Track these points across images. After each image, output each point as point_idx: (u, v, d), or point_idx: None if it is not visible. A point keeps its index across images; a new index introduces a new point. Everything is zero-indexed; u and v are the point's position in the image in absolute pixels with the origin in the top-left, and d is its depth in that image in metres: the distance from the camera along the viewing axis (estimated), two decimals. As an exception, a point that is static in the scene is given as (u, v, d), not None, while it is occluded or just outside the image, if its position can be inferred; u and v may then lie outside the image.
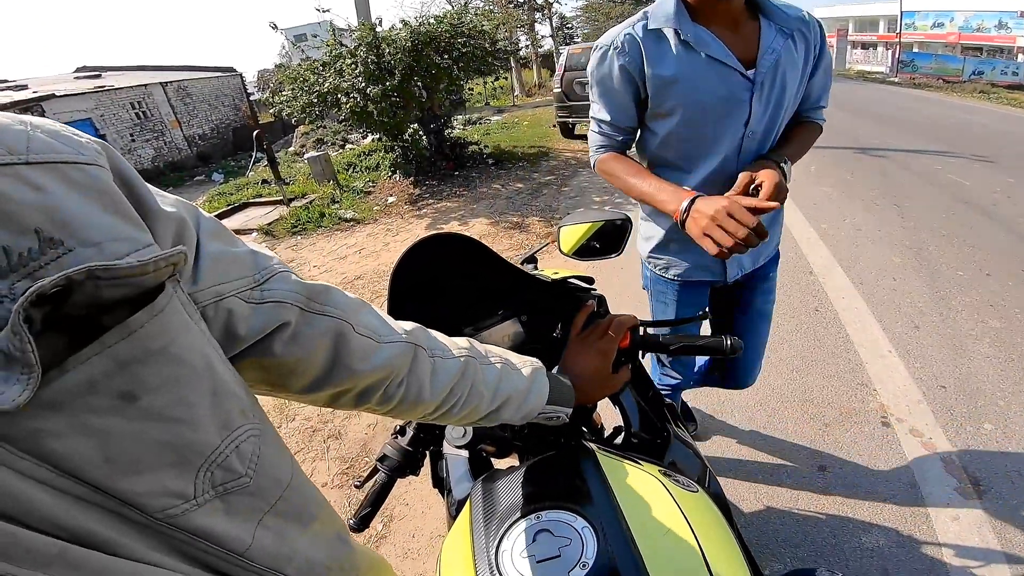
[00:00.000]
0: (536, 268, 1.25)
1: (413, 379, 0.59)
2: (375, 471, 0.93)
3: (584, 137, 9.62)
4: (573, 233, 1.17)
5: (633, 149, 1.41)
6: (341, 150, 10.71)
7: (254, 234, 5.91)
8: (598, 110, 1.31)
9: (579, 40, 27.01)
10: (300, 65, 6.84)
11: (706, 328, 1.79)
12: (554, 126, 10.14)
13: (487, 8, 8.81)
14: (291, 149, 13.21)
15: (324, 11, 7.11)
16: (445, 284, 0.93)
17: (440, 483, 1.02)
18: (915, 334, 2.86)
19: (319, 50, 6.81)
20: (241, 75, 21.62)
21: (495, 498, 0.76)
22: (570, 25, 29.56)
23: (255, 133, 6.97)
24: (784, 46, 1.15)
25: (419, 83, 6.60)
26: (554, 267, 1.25)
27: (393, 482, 0.92)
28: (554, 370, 0.84)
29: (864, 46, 28.94)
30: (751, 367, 1.70)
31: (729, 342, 0.87)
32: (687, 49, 1.13)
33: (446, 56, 6.53)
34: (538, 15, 22.96)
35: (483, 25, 7.15)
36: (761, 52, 1.13)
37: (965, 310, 3.06)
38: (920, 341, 2.79)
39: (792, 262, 3.63)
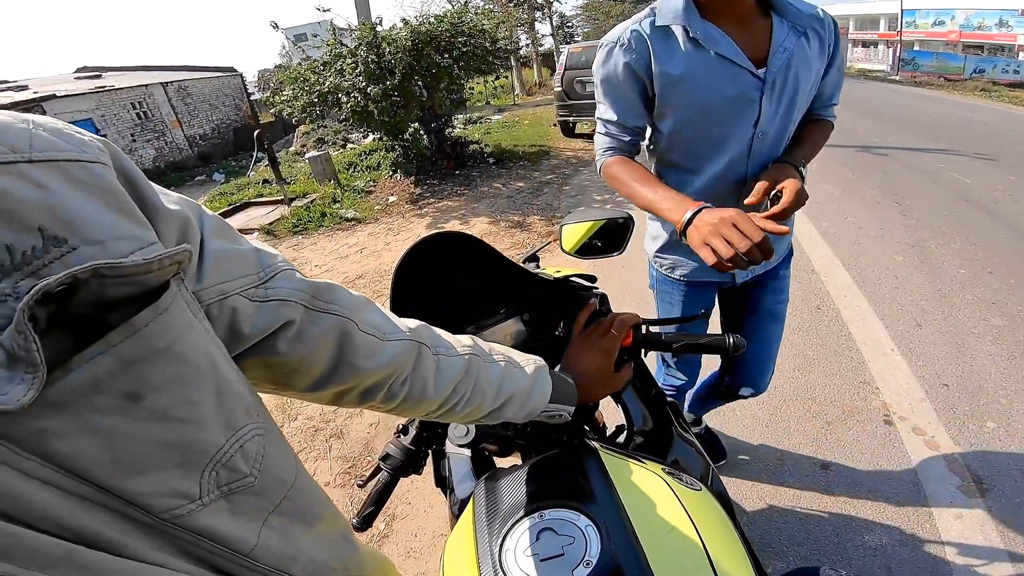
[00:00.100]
0: (538, 266, 1.25)
1: (417, 377, 0.59)
2: (378, 470, 0.93)
3: (585, 136, 9.61)
4: (575, 232, 1.17)
5: (643, 152, 1.38)
6: (342, 150, 10.71)
7: (255, 234, 5.91)
8: (604, 110, 1.27)
9: (579, 39, 27.01)
10: (300, 65, 6.84)
11: (716, 327, 1.77)
12: (555, 125, 10.13)
13: (487, 7, 8.80)
14: (292, 149, 13.21)
15: (324, 11, 7.11)
16: (448, 282, 0.93)
17: (443, 482, 1.02)
18: (917, 332, 2.85)
19: (319, 50, 6.81)
20: (242, 75, 21.62)
21: (498, 497, 0.76)
22: (570, 24, 29.53)
23: (256, 133, 6.98)
24: (797, 44, 1.11)
25: (419, 82, 6.60)
26: (556, 265, 1.25)
27: (396, 481, 0.92)
28: (556, 368, 0.84)
29: (865, 44, 28.90)
30: (762, 370, 1.63)
31: (732, 340, 0.87)
32: (696, 47, 1.09)
33: (446, 55, 6.52)
34: (538, 14, 22.93)
35: (483, 24, 7.15)
36: (772, 50, 1.10)
37: (967, 308, 3.06)
38: (922, 339, 2.79)
39: (794, 260, 3.61)
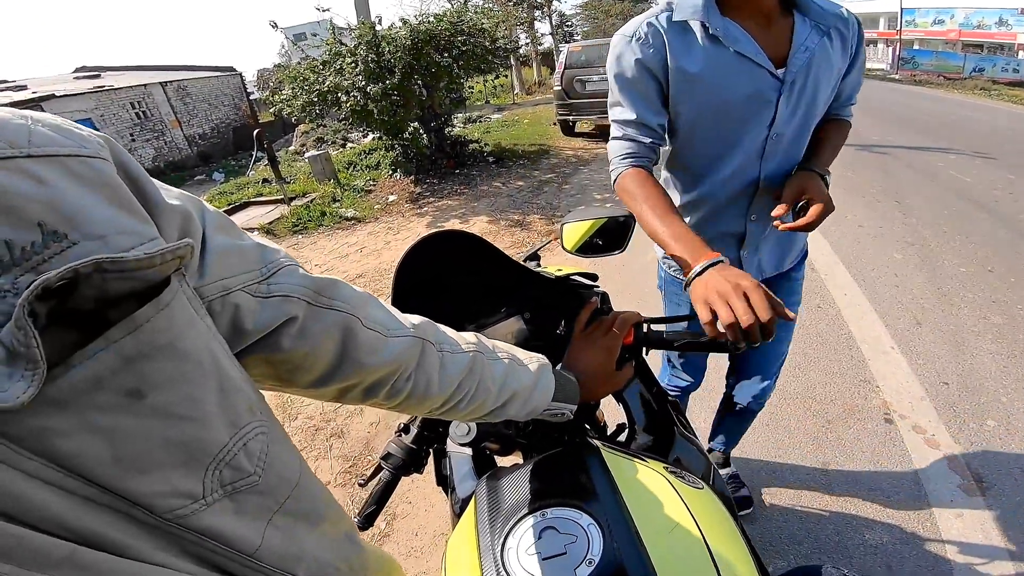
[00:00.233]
0: (539, 265, 1.24)
1: (421, 373, 0.59)
2: (379, 469, 0.93)
3: (585, 135, 9.61)
4: (576, 230, 1.17)
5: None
6: (342, 149, 10.70)
7: (255, 233, 5.78)
8: (621, 111, 1.16)
9: (579, 38, 27.00)
10: (300, 64, 6.83)
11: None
12: (554, 124, 10.12)
13: (487, 6, 8.78)
14: (291, 148, 13.19)
15: (324, 10, 7.09)
16: (448, 281, 0.93)
17: (444, 481, 1.02)
18: (917, 330, 2.85)
19: (319, 49, 6.80)
20: (241, 74, 21.60)
21: (500, 496, 0.76)
22: (570, 23, 29.51)
23: (255, 132, 6.97)
24: (819, 44, 1.06)
25: (419, 81, 6.59)
26: (557, 264, 1.25)
27: (397, 480, 0.92)
28: (558, 367, 0.84)
29: (865, 43, 28.89)
30: (766, 374, 1.61)
31: None
32: (714, 44, 1.05)
33: (446, 54, 6.51)
34: (537, 13, 22.92)
35: (483, 23, 7.14)
36: (793, 50, 1.06)
37: (967, 306, 3.06)
38: (922, 337, 2.79)
39: (794, 259, 3.62)
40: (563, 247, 1.21)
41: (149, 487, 0.34)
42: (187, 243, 0.35)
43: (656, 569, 0.61)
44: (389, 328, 0.56)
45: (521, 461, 0.89)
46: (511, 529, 0.69)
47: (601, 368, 0.85)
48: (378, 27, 6.44)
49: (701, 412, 2.26)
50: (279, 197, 7.04)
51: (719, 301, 0.83)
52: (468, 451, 0.99)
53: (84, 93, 15.31)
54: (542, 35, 24.54)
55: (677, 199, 1.32)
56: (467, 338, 0.67)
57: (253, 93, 22.16)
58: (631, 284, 3.52)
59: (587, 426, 1.01)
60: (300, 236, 5.74)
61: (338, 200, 6.62)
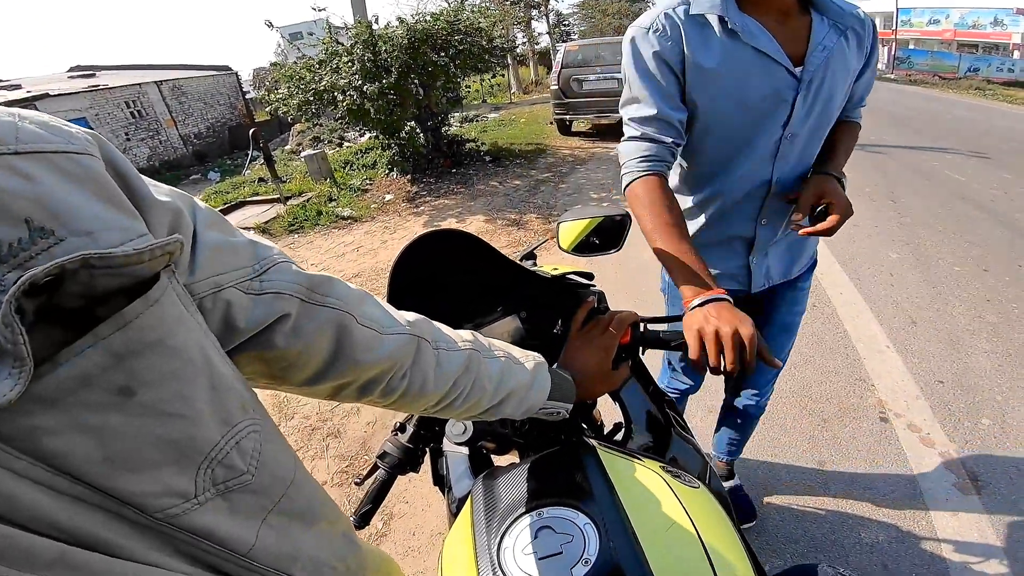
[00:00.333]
0: (535, 264, 1.24)
1: (416, 371, 0.58)
2: (375, 468, 0.92)
3: (581, 134, 9.61)
4: (572, 229, 1.17)
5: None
6: (338, 148, 10.68)
7: (251, 232, 5.86)
8: (637, 108, 1.10)
9: (576, 37, 26.98)
10: (296, 63, 6.81)
11: None
12: (551, 123, 10.13)
13: (484, 5, 8.76)
14: (287, 147, 13.16)
15: (320, 9, 7.07)
16: (444, 280, 0.93)
17: (440, 480, 1.02)
18: (912, 329, 2.87)
19: (315, 48, 6.78)
20: (236, 73, 21.54)
21: (496, 495, 0.75)
22: (567, 22, 29.51)
23: (251, 131, 6.95)
24: (837, 43, 1.05)
25: (416, 80, 6.58)
26: (553, 263, 1.25)
27: (393, 479, 0.91)
28: (554, 366, 0.84)
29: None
30: (765, 379, 1.61)
31: None
32: (732, 39, 1.02)
33: (443, 53, 6.51)
34: (534, 12, 22.91)
35: (480, 22, 7.13)
36: (811, 48, 1.04)
37: (962, 305, 3.07)
38: (917, 336, 2.80)
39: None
40: (559, 246, 1.20)
41: (140, 486, 0.34)
42: (176, 239, 0.35)
43: (652, 568, 0.61)
44: (384, 325, 0.56)
45: (518, 460, 0.89)
46: (507, 528, 0.69)
47: (597, 367, 0.85)
48: (375, 26, 6.42)
49: (698, 411, 2.27)
50: (275, 196, 7.02)
51: (712, 341, 0.84)
52: (464, 450, 0.99)
53: (79, 92, 15.25)
54: (539, 34, 24.58)
55: (685, 201, 1.28)
56: (463, 336, 0.66)
57: (249, 92, 22.12)
58: (627, 283, 3.52)
59: (584, 425, 1.01)
60: (296, 235, 5.73)
61: (334, 199, 6.61)
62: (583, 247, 1.16)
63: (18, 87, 16.75)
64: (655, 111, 1.07)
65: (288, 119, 7.68)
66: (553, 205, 5.71)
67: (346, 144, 10.98)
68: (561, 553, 0.64)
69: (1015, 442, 2.05)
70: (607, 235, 1.15)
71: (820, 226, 1.06)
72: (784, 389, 2.45)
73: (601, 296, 1.05)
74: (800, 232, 1.09)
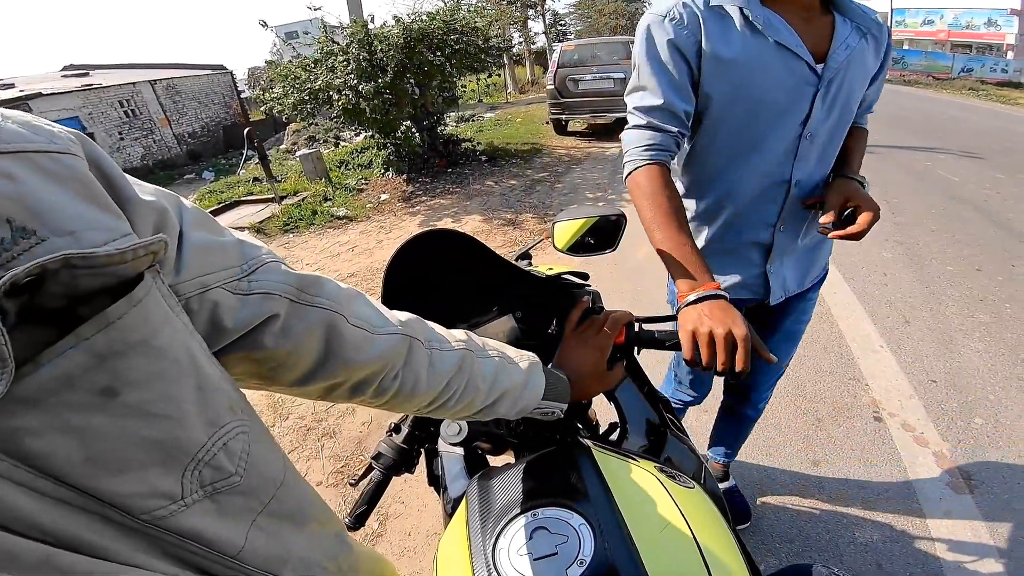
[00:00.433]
0: (530, 264, 1.24)
1: (408, 371, 0.58)
2: (370, 469, 0.92)
3: (577, 134, 9.62)
4: (567, 229, 1.16)
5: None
6: (333, 148, 10.65)
7: (246, 232, 5.79)
8: (643, 96, 1.08)
9: (572, 37, 27.02)
10: (291, 62, 6.80)
11: None
12: (547, 123, 10.13)
13: (480, 5, 8.77)
14: (282, 147, 13.12)
15: (315, 9, 7.06)
16: (439, 280, 0.92)
17: (436, 481, 1.02)
18: (906, 328, 2.88)
19: (310, 47, 6.76)
20: (231, 73, 21.45)
21: (491, 496, 0.75)
22: (563, 22, 29.56)
23: (246, 131, 6.93)
24: (858, 44, 1.05)
25: (412, 80, 6.57)
26: (548, 263, 1.25)
27: (388, 480, 0.91)
28: (549, 366, 0.84)
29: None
30: (766, 384, 1.60)
31: None
32: (753, 32, 1.00)
33: (439, 53, 6.50)
34: (531, 12, 22.90)
35: (476, 22, 7.13)
36: (834, 46, 1.03)
37: (955, 305, 3.09)
38: (911, 336, 2.81)
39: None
40: (554, 246, 1.20)
41: (125, 487, 0.33)
42: (160, 238, 0.35)
43: (647, 569, 0.61)
44: (376, 325, 0.55)
45: (513, 461, 0.89)
46: (502, 529, 0.69)
47: (592, 367, 0.85)
48: (370, 25, 6.41)
49: (693, 411, 2.27)
50: (270, 196, 6.99)
51: (705, 341, 0.84)
52: (460, 451, 0.99)
53: (72, 91, 15.14)
54: (535, 34, 24.55)
55: (696, 206, 1.26)
56: (457, 335, 0.66)
57: (244, 91, 22.05)
58: (622, 283, 3.52)
59: (579, 425, 1.01)
60: (291, 235, 5.71)
61: (330, 199, 6.59)
62: (578, 247, 1.16)
63: (11, 86, 16.64)
64: (661, 100, 1.05)
65: (283, 118, 7.64)
66: (549, 205, 5.71)
67: (341, 144, 10.95)
68: (556, 554, 0.64)
69: (1008, 441, 2.06)
70: (602, 235, 1.15)
71: (851, 229, 1.04)
72: (778, 389, 2.43)
73: (596, 296, 1.05)
74: (831, 235, 1.08)
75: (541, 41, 25.00)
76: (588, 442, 0.83)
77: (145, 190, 0.40)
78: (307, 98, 6.37)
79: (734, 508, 1.84)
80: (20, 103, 13.12)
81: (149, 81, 17.39)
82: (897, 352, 2.67)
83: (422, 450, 0.97)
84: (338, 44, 6.40)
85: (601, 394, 0.94)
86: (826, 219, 1.07)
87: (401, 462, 0.91)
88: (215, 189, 9.27)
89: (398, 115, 6.65)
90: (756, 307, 1.35)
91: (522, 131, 10.32)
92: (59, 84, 16.41)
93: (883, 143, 7.56)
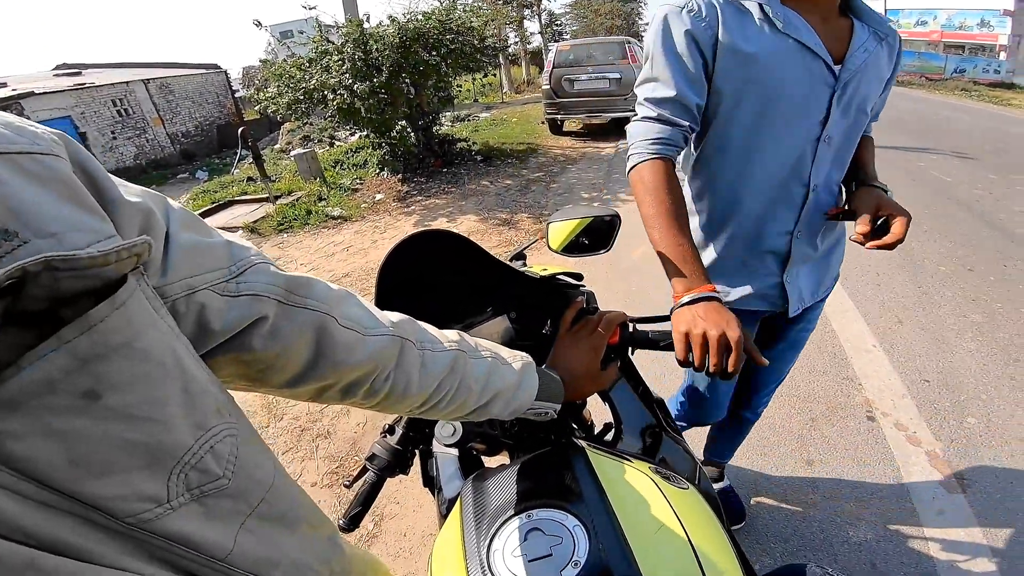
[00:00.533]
0: (525, 264, 1.24)
1: (400, 373, 0.58)
2: (364, 470, 0.92)
3: (573, 134, 9.63)
4: (562, 229, 1.16)
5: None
6: (328, 147, 10.62)
7: (239, 232, 5.84)
8: (655, 87, 1.06)
9: (568, 37, 27.03)
10: (286, 61, 6.77)
11: None
12: (543, 123, 10.15)
13: (475, 4, 8.76)
14: (277, 146, 13.07)
15: (310, 8, 7.04)
16: (433, 281, 0.92)
17: (430, 482, 1.02)
18: (899, 328, 2.89)
19: (305, 46, 6.74)
20: (226, 72, 21.33)
21: (486, 497, 0.75)
22: (559, 22, 29.57)
23: (240, 130, 6.89)
24: (875, 50, 1.05)
25: (407, 80, 6.56)
26: (543, 264, 1.25)
27: (383, 481, 0.91)
28: (543, 366, 0.84)
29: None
30: (766, 390, 1.59)
31: None
32: (772, 29, 1.00)
33: (434, 53, 6.49)
34: (527, 11, 22.92)
35: (471, 22, 7.12)
36: (852, 49, 1.03)
37: (948, 305, 3.11)
38: (904, 335, 2.83)
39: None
40: (549, 246, 1.20)
41: (108, 490, 0.33)
42: (144, 240, 0.34)
43: (641, 570, 0.61)
44: (366, 327, 0.55)
45: (508, 461, 0.89)
46: (497, 531, 0.69)
47: (586, 367, 0.85)
48: (366, 25, 6.40)
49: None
50: (264, 196, 6.97)
51: (698, 343, 0.85)
52: (454, 452, 0.99)
53: (65, 91, 15.03)
54: (531, 34, 24.57)
55: (704, 217, 1.24)
56: (449, 336, 0.66)
57: (238, 91, 21.94)
58: (617, 284, 3.53)
59: (574, 426, 1.01)
60: (285, 235, 5.69)
61: (324, 199, 6.57)
62: (573, 247, 1.16)
63: (3, 85, 16.51)
64: (674, 92, 1.03)
65: (278, 118, 7.62)
66: (544, 205, 5.71)
67: (336, 143, 10.93)
68: (551, 555, 0.64)
69: (1000, 441, 2.07)
70: (597, 235, 1.15)
71: (887, 239, 1.02)
72: (773, 388, 2.46)
73: (590, 296, 1.05)
74: (868, 246, 1.05)
75: (537, 41, 25.03)
76: (582, 443, 0.83)
77: (130, 191, 0.40)
78: (302, 97, 6.35)
79: (729, 508, 1.84)
80: (12, 102, 13.03)
81: (142, 80, 17.29)
82: (890, 352, 2.69)
83: (417, 451, 0.96)
84: (333, 43, 6.38)
85: (596, 394, 0.94)
86: (862, 229, 1.04)
87: (395, 463, 0.91)
88: (209, 189, 9.23)
89: (393, 115, 6.63)
90: (770, 317, 1.33)
91: (518, 131, 10.33)
92: (52, 83, 16.29)
93: (876, 143, 7.59)
